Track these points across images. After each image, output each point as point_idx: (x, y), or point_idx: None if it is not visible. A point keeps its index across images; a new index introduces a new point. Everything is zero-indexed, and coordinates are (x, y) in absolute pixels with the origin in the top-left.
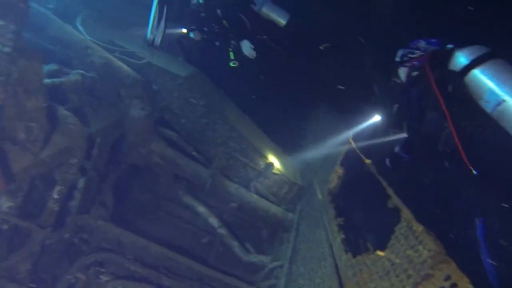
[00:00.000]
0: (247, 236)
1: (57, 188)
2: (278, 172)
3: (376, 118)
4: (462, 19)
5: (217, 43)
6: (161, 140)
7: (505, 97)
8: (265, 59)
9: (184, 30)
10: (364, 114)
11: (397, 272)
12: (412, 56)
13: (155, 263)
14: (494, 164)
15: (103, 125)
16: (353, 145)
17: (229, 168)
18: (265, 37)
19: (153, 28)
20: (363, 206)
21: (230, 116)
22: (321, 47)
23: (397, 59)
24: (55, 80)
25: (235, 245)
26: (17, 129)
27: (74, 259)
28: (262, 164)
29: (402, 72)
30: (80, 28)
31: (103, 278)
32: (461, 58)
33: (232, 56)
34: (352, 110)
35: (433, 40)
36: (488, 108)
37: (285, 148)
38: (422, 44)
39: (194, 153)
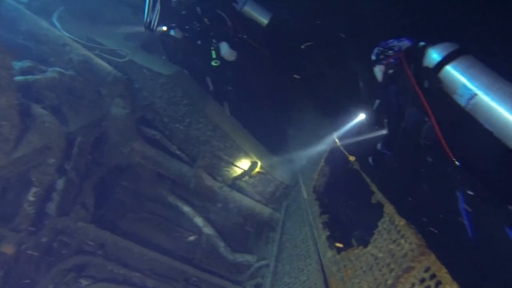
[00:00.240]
0: (233, 235)
1: (33, 189)
2: (263, 171)
3: (361, 116)
4: (426, 14)
5: (199, 42)
6: (143, 139)
7: (477, 91)
8: (247, 59)
9: (164, 28)
10: (349, 112)
11: (380, 266)
12: (387, 54)
13: (139, 264)
14: (474, 155)
15: (83, 124)
16: (338, 142)
17: (213, 167)
18: (245, 36)
19: (148, 11)
20: (347, 202)
21: (213, 115)
22: (302, 47)
23: (373, 57)
24: (28, 77)
25: (220, 245)
26: None
27: (53, 263)
28: (246, 163)
29: (378, 70)
30: (57, 24)
31: (84, 282)
32: (434, 55)
33: (214, 55)
34: (337, 108)
35: (403, 38)
36: (462, 102)
37: (270, 147)
38: (394, 42)
39: (177, 152)
